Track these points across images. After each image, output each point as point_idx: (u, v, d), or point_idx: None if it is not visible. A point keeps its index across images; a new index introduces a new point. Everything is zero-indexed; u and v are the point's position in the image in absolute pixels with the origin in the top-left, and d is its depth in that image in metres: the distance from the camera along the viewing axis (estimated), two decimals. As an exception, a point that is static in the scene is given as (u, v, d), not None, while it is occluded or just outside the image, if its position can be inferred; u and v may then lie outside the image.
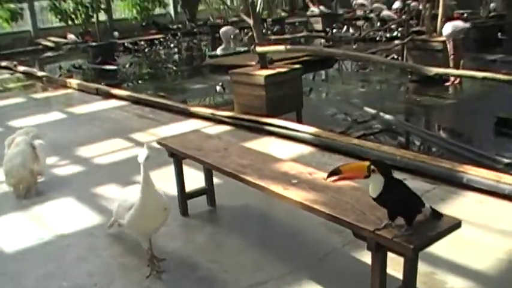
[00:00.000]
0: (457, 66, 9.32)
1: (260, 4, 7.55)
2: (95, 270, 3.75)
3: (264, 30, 19.38)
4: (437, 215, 2.68)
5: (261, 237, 4.13)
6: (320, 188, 3.14)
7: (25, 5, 24.68)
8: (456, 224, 2.65)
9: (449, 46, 9.60)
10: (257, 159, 3.87)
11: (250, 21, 7.43)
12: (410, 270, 2.79)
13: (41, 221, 4.75)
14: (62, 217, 4.80)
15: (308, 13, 20.61)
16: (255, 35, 7.44)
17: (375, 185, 2.59)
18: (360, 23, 18.57)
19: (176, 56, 17.67)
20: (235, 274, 3.57)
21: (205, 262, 3.78)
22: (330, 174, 2.71)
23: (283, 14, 23.53)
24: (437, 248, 3.47)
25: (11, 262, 4.07)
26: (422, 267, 3.33)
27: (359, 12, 19.23)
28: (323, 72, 12.27)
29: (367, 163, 2.63)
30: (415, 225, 2.57)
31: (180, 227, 4.39)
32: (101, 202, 5.05)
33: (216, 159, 3.98)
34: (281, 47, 7.44)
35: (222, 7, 21.86)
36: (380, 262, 2.67)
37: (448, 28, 9.58)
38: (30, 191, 5.42)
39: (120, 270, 3.73)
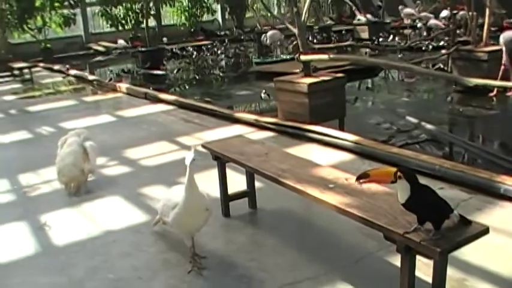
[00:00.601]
0: (505, 77, 9.23)
1: (305, 13, 7.70)
2: (140, 265, 3.98)
3: (309, 38, 19.55)
4: (465, 221, 2.80)
5: (298, 239, 4.28)
6: (355, 193, 3.29)
7: (78, 11, 25.33)
8: (483, 231, 2.76)
9: (505, 56, 9.52)
10: (296, 164, 4.04)
11: (295, 30, 7.62)
12: (440, 274, 2.89)
13: (89, 217, 5.03)
14: (110, 214, 5.05)
15: (354, 21, 20.60)
16: (299, 43, 7.60)
17: (401, 191, 2.73)
18: (407, 32, 18.48)
19: (223, 63, 17.91)
20: (273, 273, 3.74)
21: (244, 261, 3.96)
22: (359, 177, 2.87)
23: (330, 22, 23.56)
24: (470, 256, 3.61)
25: (62, 254, 4.35)
26: (454, 273, 3.47)
27: (407, 21, 19.15)
28: (369, 81, 12.36)
29: (394, 169, 2.77)
30: (443, 230, 2.70)
31: (221, 227, 4.59)
32: (146, 201, 5.30)
33: (257, 163, 4.17)
34: (324, 56, 7.59)
35: (269, 14, 22.04)
36: (409, 264, 2.80)
37: (506, 37, 9.52)
38: (81, 189, 5.72)
39: (163, 265, 3.94)
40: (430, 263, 2.88)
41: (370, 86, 12.01)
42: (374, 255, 3.86)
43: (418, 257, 2.89)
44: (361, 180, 2.90)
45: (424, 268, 3.22)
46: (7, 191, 6.07)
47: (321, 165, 4.07)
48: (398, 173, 2.72)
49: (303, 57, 7.48)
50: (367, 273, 3.68)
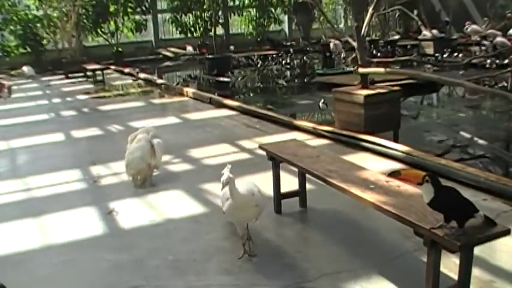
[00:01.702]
0: None
1: (365, 28, 8.01)
2: (196, 249, 4.40)
3: (374, 52, 19.73)
4: (489, 222, 3.08)
5: (342, 236, 4.61)
6: (393, 193, 3.62)
7: (149, 17, 26.15)
8: (504, 231, 3.04)
9: None
10: (343, 167, 4.39)
11: (355, 44, 7.95)
12: (465, 271, 3.17)
13: (153, 207, 5.51)
14: (171, 205, 5.52)
15: (420, 37, 20.60)
16: (358, 56, 7.92)
17: (425, 192, 3.05)
18: (473, 48, 18.37)
19: (287, 72, 18.27)
20: (316, 263, 4.10)
21: (291, 252, 4.34)
22: (391, 174, 3.21)
23: (396, 36, 23.60)
24: (500, 261, 3.87)
25: (127, 236, 4.85)
26: (483, 275, 3.74)
27: (473, 38, 19.04)
28: (432, 96, 12.51)
29: (422, 173, 3.11)
30: (467, 228, 3.00)
31: (273, 222, 4.97)
32: (205, 196, 5.74)
33: (307, 164, 4.54)
34: (381, 69, 7.88)
35: (336, 26, 22.31)
36: (434, 257, 3.11)
37: None
38: (146, 181, 6.23)
39: (217, 251, 4.36)
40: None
41: (431, 101, 12.18)
42: (411, 255, 4.16)
43: (450, 257, 3.19)
44: (392, 177, 3.24)
45: (453, 267, 3.52)
46: (79, 180, 6.67)
47: (366, 169, 4.39)
48: (426, 177, 3.05)
49: (360, 70, 7.80)
50: (402, 270, 3.97)
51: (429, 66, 15.07)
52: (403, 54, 19.67)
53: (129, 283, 3.95)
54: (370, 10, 8.20)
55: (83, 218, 5.33)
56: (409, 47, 21.23)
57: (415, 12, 24.61)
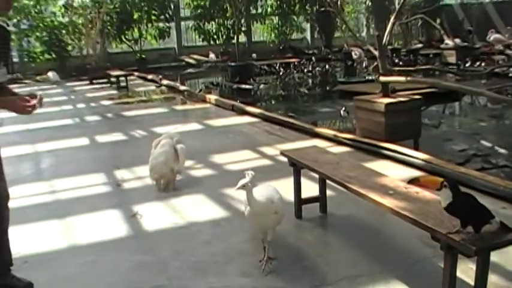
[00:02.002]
0: None
1: (386, 37, 8.08)
2: (218, 252, 4.50)
3: (396, 60, 19.72)
4: (505, 228, 3.14)
5: (361, 241, 4.68)
6: (411, 199, 3.69)
7: (172, 25, 26.39)
8: (520, 238, 3.11)
9: None
10: (363, 173, 4.47)
11: (376, 53, 8.02)
12: (481, 276, 3.22)
13: (176, 210, 5.62)
14: (194, 209, 5.63)
15: (442, 45, 20.54)
16: (379, 65, 7.99)
17: (444, 197, 3.12)
18: (496, 57, 18.28)
19: (309, 80, 18.34)
20: (334, 267, 4.17)
21: (311, 256, 4.42)
22: (411, 181, 3.27)
23: (418, 45, 23.57)
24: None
25: (150, 238, 4.97)
26: (500, 281, 3.79)
27: (497, 47, 18.95)
28: (454, 104, 12.51)
29: (441, 179, 3.18)
30: (483, 233, 3.06)
31: (293, 227, 5.05)
32: (227, 200, 5.84)
33: (327, 170, 4.63)
34: (401, 78, 7.95)
35: (358, 35, 22.35)
36: (450, 261, 3.17)
37: None
38: (169, 185, 6.35)
39: (238, 253, 4.45)
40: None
41: (453, 110, 12.18)
42: (429, 261, 4.21)
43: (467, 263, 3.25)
44: (411, 184, 3.31)
45: (470, 273, 3.58)
46: (104, 184, 6.82)
47: (385, 175, 4.46)
48: (445, 183, 3.12)
49: (381, 78, 7.87)
50: (419, 275, 4.02)
51: (451, 75, 15.02)
52: (425, 63, 19.67)
53: (151, 283, 4.06)
54: (392, 19, 8.27)
55: (107, 220, 5.46)
56: (431, 55, 21.13)
57: (438, 21, 24.61)
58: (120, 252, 4.66)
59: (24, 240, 4.96)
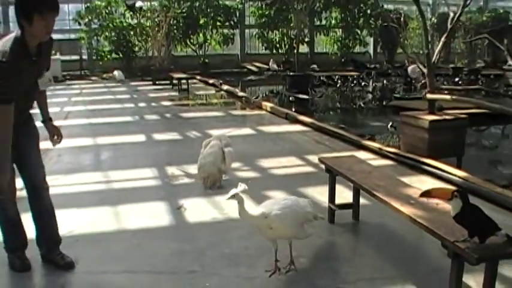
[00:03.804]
0: None
1: (437, 55, 8.27)
2: (251, 246, 4.86)
3: (456, 79, 19.67)
4: (510, 240, 3.38)
5: (388, 248, 4.94)
6: (430, 209, 3.94)
7: (237, 31, 26.93)
8: (523, 251, 3.34)
9: None
10: (391, 183, 4.75)
11: (425, 70, 8.23)
12: (489, 283, 3.48)
13: (218, 207, 6.01)
14: (234, 207, 5.93)
15: (505, 67, 20.34)
16: (427, 83, 8.19)
17: (454, 207, 3.38)
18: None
19: (366, 94, 18.52)
20: (357, 269, 4.46)
21: (336, 257, 4.76)
22: (423, 194, 3.54)
23: (480, 65, 23.38)
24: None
25: (191, 229, 5.41)
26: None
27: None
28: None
29: (452, 189, 3.43)
30: (489, 244, 3.32)
31: (325, 230, 5.34)
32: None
33: (359, 178, 4.93)
34: (447, 97, 8.12)
35: (421, 52, 22.33)
36: (456, 267, 3.43)
37: None
38: (215, 184, 6.76)
39: (269, 249, 4.70)
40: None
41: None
42: (446, 271, 4.42)
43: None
44: (423, 197, 3.57)
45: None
46: (155, 178, 7.31)
47: (412, 186, 4.71)
48: (455, 193, 3.39)
49: (428, 96, 8.08)
50: (436, 283, 4.24)
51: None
52: (486, 84, 19.50)
53: (186, 268, 4.46)
54: (443, 38, 8.47)
55: (153, 211, 5.90)
56: (492, 76, 20.94)
57: (505, 41, 24.30)
58: (162, 239, 5.09)
59: (77, 221, 5.48)
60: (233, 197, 4.15)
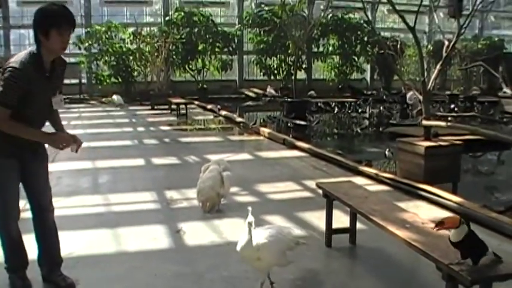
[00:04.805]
0: None
1: (432, 82, 8.42)
2: (249, 269, 4.87)
3: (452, 106, 19.84)
4: (497, 257, 3.51)
5: (385, 271, 5.01)
6: (425, 233, 4.04)
7: (235, 57, 27.14)
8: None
9: None
10: (387, 208, 4.85)
11: (420, 97, 8.38)
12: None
13: (216, 230, 6.09)
14: (233, 230, 6.04)
15: (500, 94, 20.55)
16: (423, 109, 8.33)
17: (458, 233, 3.47)
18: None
19: (363, 120, 18.67)
20: (353, 292, 4.56)
21: (333, 281, 4.80)
22: (437, 225, 3.61)
23: (476, 92, 23.59)
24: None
25: (190, 252, 5.47)
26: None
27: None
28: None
29: (458, 217, 3.58)
30: (481, 266, 3.41)
31: (322, 254, 5.43)
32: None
33: (355, 203, 5.03)
34: (442, 123, 8.27)
35: (417, 78, 22.55)
36: (451, 289, 3.53)
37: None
38: (214, 208, 6.84)
39: (270, 272, 4.86)
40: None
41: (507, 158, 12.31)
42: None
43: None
44: (438, 227, 3.65)
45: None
46: (154, 201, 7.39)
47: (407, 211, 4.81)
48: (462, 220, 3.52)
49: (424, 122, 8.21)
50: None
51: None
52: (482, 111, 19.67)
53: (186, 290, 4.54)
54: (438, 66, 8.63)
55: (153, 233, 5.96)
56: (485, 103, 21.12)
57: (500, 68, 24.58)
58: (162, 262, 5.15)
59: (77, 243, 5.54)
60: (250, 224, 4.21)
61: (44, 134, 4.17)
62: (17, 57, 3.94)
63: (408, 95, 18.76)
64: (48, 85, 4.12)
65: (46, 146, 4.40)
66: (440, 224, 3.67)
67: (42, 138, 4.20)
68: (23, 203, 4.42)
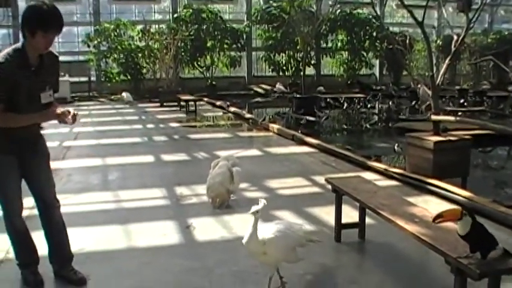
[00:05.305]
0: None
1: (441, 77, 8.41)
2: (259, 264, 4.85)
3: (461, 101, 19.77)
4: (507, 253, 3.50)
5: (393, 266, 5.02)
6: (434, 227, 4.03)
7: (244, 54, 27.15)
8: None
9: None
10: (396, 202, 4.86)
11: (429, 92, 8.36)
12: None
13: (226, 226, 6.12)
14: (243, 226, 6.00)
15: (510, 88, 20.44)
16: (432, 104, 8.32)
17: (463, 225, 3.47)
18: None
19: (372, 116, 18.63)
20: (363, 286, 4.56)
21: (341, 275, 4.84)
22: (435, 218, 3.63)
23: (486, 86, 23.48)
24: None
25: (199, 247, 5.51)
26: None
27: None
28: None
29: (460, 208, 3.55)
30: (490, 259, 3.41)
31: (331, 248, 5.45)
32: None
33: (364, 197, 5.04)
34: (451, 118, 8.27)
35: (426, 73, 22.47)
36: (459, 283, 3.52)
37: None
38: (223, 204, 6.87)
39: (280, 267, 4.89)
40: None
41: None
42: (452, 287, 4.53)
43: None
44: (436, 221, 3.66)
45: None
46: (164, 197, 7.44)
47: (416, 205, 4.83)
48: (464, 212, 3.51)
49: (433, 117, 8.21)
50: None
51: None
52: (490, 106, 19.57)
53: (195, 284, 4.59)
54: (447, 60, 8.62)
55: (163, 229, 6.00)
56: (493, 98, 21.01)
57: (510, 63, 24.45)
58: (172, 257, 5.19)
59: (88, 239, 5.58)
60: (256, 213, 4.19)
61: (39, 114, 4.16)
62: (2, 53, 3.96)
63: (420, 91, 18.63)
64: (36, 79, 4.08)
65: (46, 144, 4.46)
66: (438, 217, 3.69)
67: (40, 118, 4.23)
68: (31, 201, 4.47)
